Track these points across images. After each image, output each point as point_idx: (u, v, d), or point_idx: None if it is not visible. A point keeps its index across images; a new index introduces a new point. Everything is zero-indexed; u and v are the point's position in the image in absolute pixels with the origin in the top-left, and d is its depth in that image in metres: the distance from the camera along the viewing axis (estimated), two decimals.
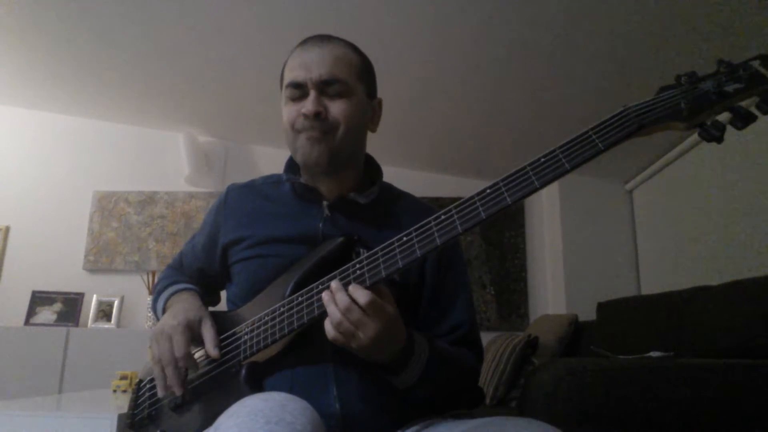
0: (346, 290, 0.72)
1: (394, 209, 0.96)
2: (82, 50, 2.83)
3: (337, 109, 0.87)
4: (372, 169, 0.99)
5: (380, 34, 2.34)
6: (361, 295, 0.71)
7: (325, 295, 0.74)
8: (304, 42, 0.91)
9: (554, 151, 0.68)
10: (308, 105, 0.85)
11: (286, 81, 0.89)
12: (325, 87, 0.86)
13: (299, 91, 0.87)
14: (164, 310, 0.97)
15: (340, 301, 0.72)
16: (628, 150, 3.08)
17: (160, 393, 0.87)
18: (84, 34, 2.68)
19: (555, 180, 0.67)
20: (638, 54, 2.17)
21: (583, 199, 3.33)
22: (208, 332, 0.87)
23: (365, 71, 0.93)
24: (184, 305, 0.92)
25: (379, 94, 0.99)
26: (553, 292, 3.40)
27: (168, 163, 3.70)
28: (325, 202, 0.91)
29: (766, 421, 1.11)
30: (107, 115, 3.69)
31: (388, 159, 3.21)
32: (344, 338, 0.72)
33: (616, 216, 3.29)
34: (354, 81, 0.89)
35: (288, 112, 0.89)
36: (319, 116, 0.85)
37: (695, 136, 2.56)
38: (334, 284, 0.74)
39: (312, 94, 0.86)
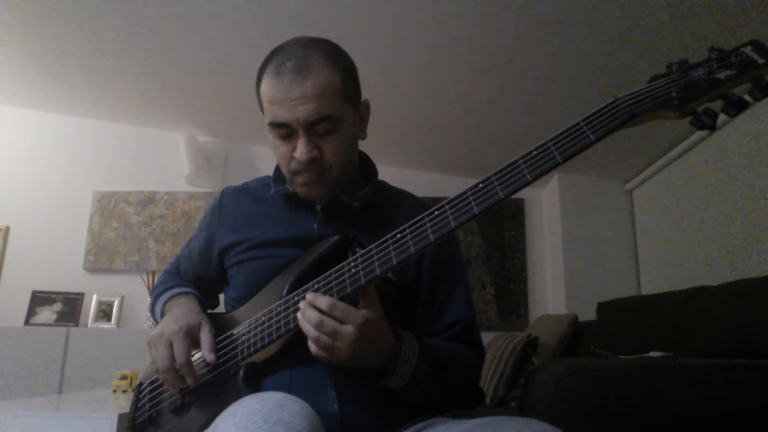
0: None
1: (390, 208, 0.95)
2: (82, 50, 2.83)
3: (329, 148, 0.84)
4: (367, 167, 0.99)
5: (379, 35, 2.34)
6: (322, 301, 0.72)
7: (299, 315, 0.74)
8: (281, 71, 0.82)
9: (546, 143, 0.67)
10: (302, 150, 0.82)
11: (269, 117, 0.84)
12: (314, 126, 0.82)
13: (286, 130, 0.83)
14: (162, 314, 0.97)
15: (310, 317, 0.72)
16: (628, 150, 3.09)
17: (173, 391, 0.88)
18: (84, 35, 2.68)
19: (547, 173, 0.66)
20: (639, 53, 2.17)
21: (583, 199, 3.33)
22: (205, 337, 0.87)
23: (349, 86, 0.86)
24: (183, 309, 0.92)
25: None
26: (553, 292, 3.40)
27: (168, 163, 3.70)
28: (318, 206, 0.91)
29: (766, 421, 1.11)
30: (107, 115, 3.69)
31: (387, 159, 3.22)
32: (326, 352, 0.73)
33: (616, 216, 3.29)
34: (341, 107, 0.84)
35: (279, 149, 0.86)
36: (313, 160, 0.83)
37: (695, 136, 2.56)
38: (302, 303, 0.74)
39: (302, 139, 0.82)
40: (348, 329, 0.71)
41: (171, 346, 0.84)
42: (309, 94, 0.80)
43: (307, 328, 0.73)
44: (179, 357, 0.83)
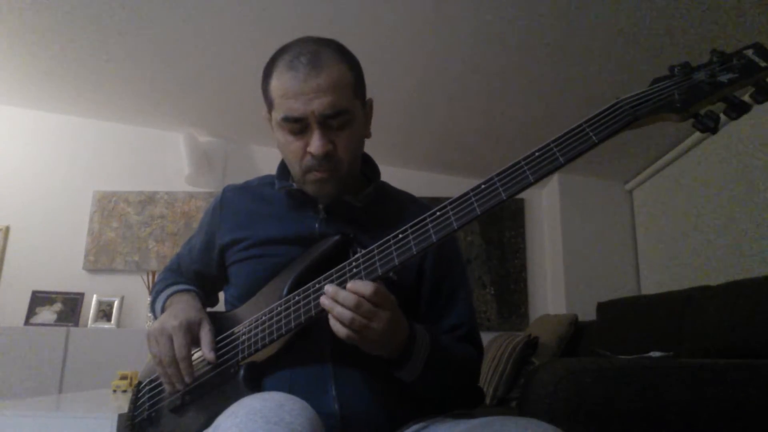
0: (344, 287, 0.72)
1: (391, 209, 0.95)
2: (82, 50, 2.83)
3: (343, 143, 0.84)
4: (369, 167, 0.99)
5: (380, 35, 2.34)
6: (365, 286, 0.71)
7: (325, 300, 0.72)
8: (294, 65, 0.82)
9: (548, 144, 0.67)
10: (317, 144, 0.82)
11: (282, 112, 0.83)
12: (328, 120, 0.82)
13: (299, 125, 0.83)
14: (163, 311, 0.97)
15: (347, 299, 0.71)
16: (628, 150, 3.09)
17: (168, 390, 0.87)
18: (84, 34, 2.68)
19: (549, 174, 0.66)
20: (639, 53, 2.17)
21: (583, 199, 3.33)
22: (206, 335, 0.87)
23: (358, 83, 0.87)
24: (184, 306, 0.92)
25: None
26: (553, 292, 3.40)
27: (168, 163, 3.70)
28: (320, 205, 0.91)
29: (766, 421, 1.11)
30: (107, 115, 3.69)
31: (387, 159, 3.22)
32: (358, 334, 0.71)
33: (616, 216, 3.29)
34: (353, 102, 0.85)
35: (290, 145, 0.85)
36: (328, 154, 0.83)
37: (695, 136, 2.56)
38: (330, 287, 0.72)
39: (317, 132, 0.82)
40: (385, 312, 0.71)
41: (171, 340, 0.84)
42: (324, 87, 0.81)
43: (340, 311, 0.70)
44: (179, 352, 0.83)
